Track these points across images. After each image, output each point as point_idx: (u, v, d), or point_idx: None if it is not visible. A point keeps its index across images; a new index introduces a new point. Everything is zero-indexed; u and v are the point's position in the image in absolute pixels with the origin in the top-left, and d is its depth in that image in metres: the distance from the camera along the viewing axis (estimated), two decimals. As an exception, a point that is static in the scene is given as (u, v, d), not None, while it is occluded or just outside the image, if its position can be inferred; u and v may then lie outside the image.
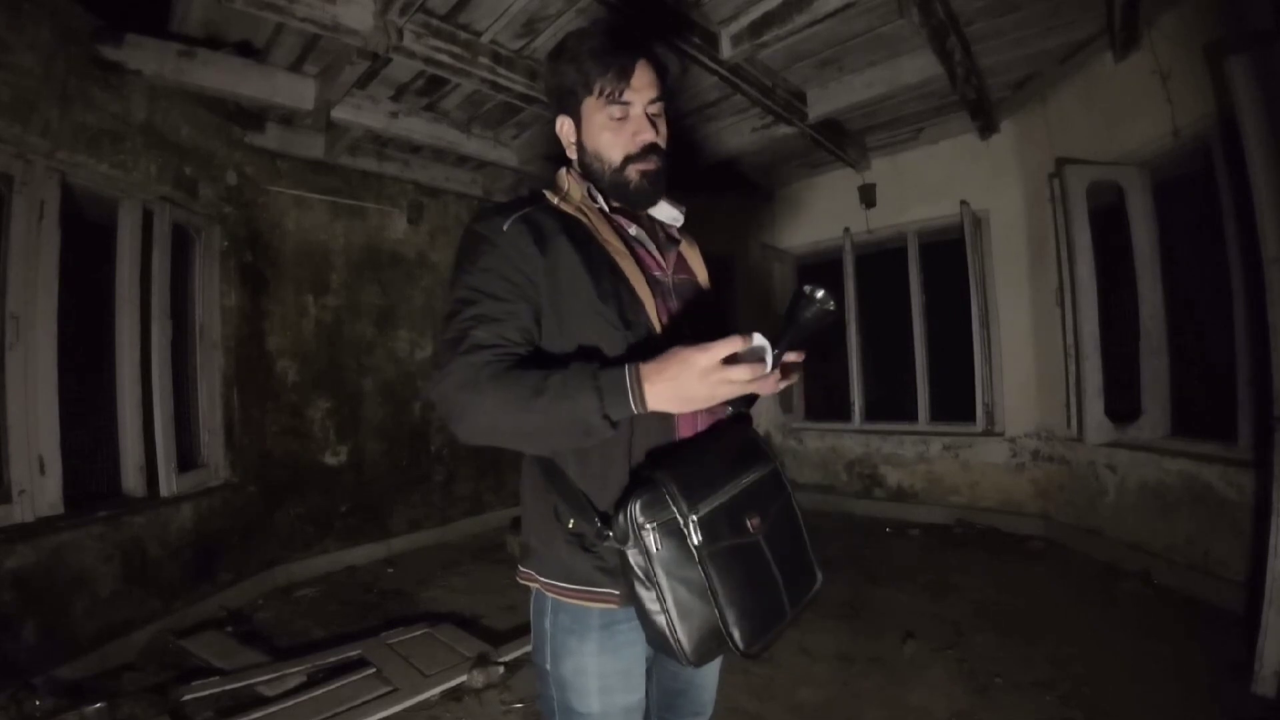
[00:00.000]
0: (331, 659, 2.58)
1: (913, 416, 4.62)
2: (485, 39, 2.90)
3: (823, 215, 5.08)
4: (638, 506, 0.78)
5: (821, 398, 5.27)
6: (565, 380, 0.76)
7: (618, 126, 0.94)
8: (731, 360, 0.73)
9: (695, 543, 0.78)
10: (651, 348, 0.87)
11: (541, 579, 0.93)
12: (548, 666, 0.93)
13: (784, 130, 3.85)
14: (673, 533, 0.79)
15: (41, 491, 2.45)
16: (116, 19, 2.64)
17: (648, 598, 0.80)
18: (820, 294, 0.78)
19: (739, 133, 4.07)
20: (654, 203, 1.01)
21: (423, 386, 4.45)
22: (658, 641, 0.82)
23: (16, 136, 2.37)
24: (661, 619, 0.79)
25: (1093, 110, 3.36)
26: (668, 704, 1.08)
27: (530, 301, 0.87)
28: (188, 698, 2.29)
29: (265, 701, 2.26)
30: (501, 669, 2.43)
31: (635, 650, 0.92)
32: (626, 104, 0.93)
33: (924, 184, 4.48)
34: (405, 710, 2.22)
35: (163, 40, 2.73)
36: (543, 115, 3.59)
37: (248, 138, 3.56)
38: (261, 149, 3.66)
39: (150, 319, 2.99)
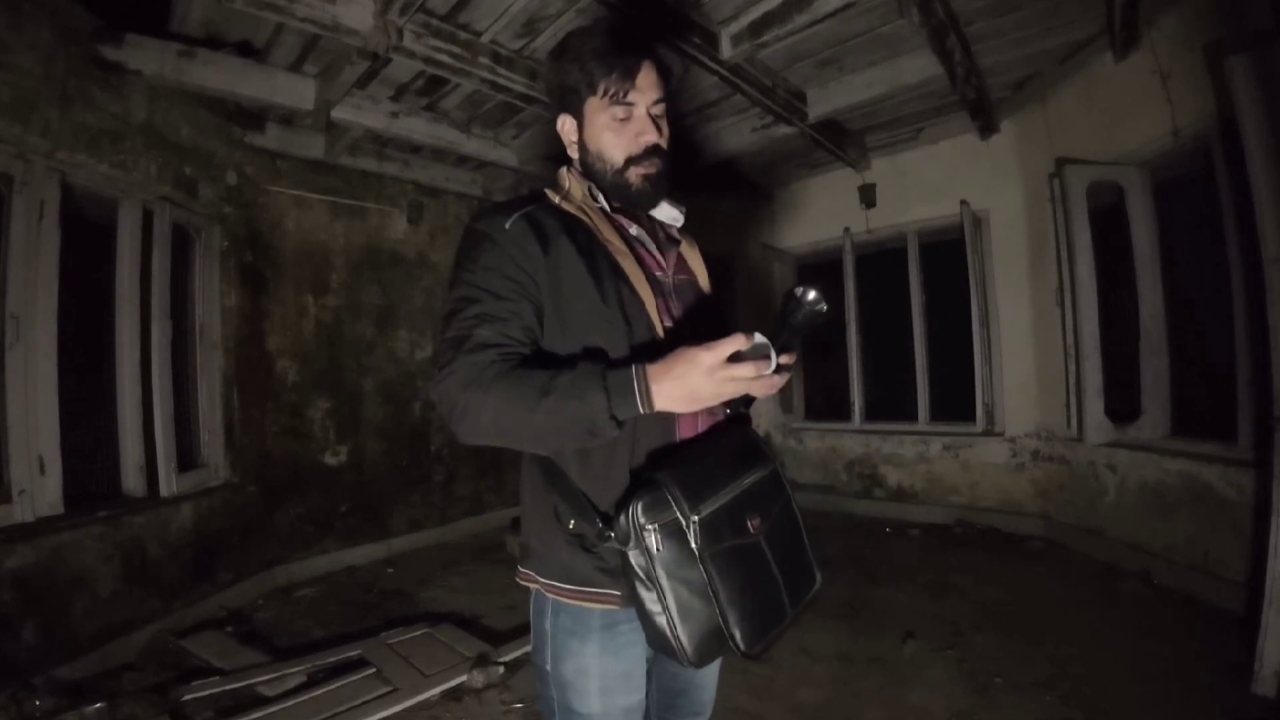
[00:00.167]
0: (331, 659, 2.58)
1: (913, 416, 4.62)
2: (485, 39, 2.90)
3: (823, 215, 5.08)
4: (639, 507, 0.78)
5: (821, 398, 5.27)
6: (573, 380, 0.76)
7: (620, 127, 0.94)
8: (735, 359, 0.74)
9: (696, 544, 0.78)
10: (652, 348, 0.87)
11: (541, 580, 0.93)
12: (548, 667, 0.93)
13: (784, 130, 3.85)
14: (674, 534, 0.79)
15: (41, 491, 2.45)
16: (116, 19, 2.63)
17: (649, 598, 0.80)
18: (811, 295, 0.78)
19: (739, 133, 4.07)
20: (655, 204, 1.01)
21: (423, 386, 4.45)
22: (658, 642, 0.82)
23: (16, 136, 2.37)
24: (662, 619, 0.79)
25: (1093, 110, 3.36)
26: (667, 704, 1.07)
27: (532, 300, 0.87)
28: (188, 698, 2.29)
29: (265, 701, 2.26)
30: (501, 669, 2.43)
31: (636, 651, 0.92)
32: (630, 105, 0.93)
33: (924, 184, 4.48)
34: (405, 710, 2.22)
35: (163, 40, 2.73)
36: (543, 115, 3.59)
37: (248, 138, 3.56)
38: (261, 149, 3.66)
39: (150, 319, 2.99)
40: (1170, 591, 2.87)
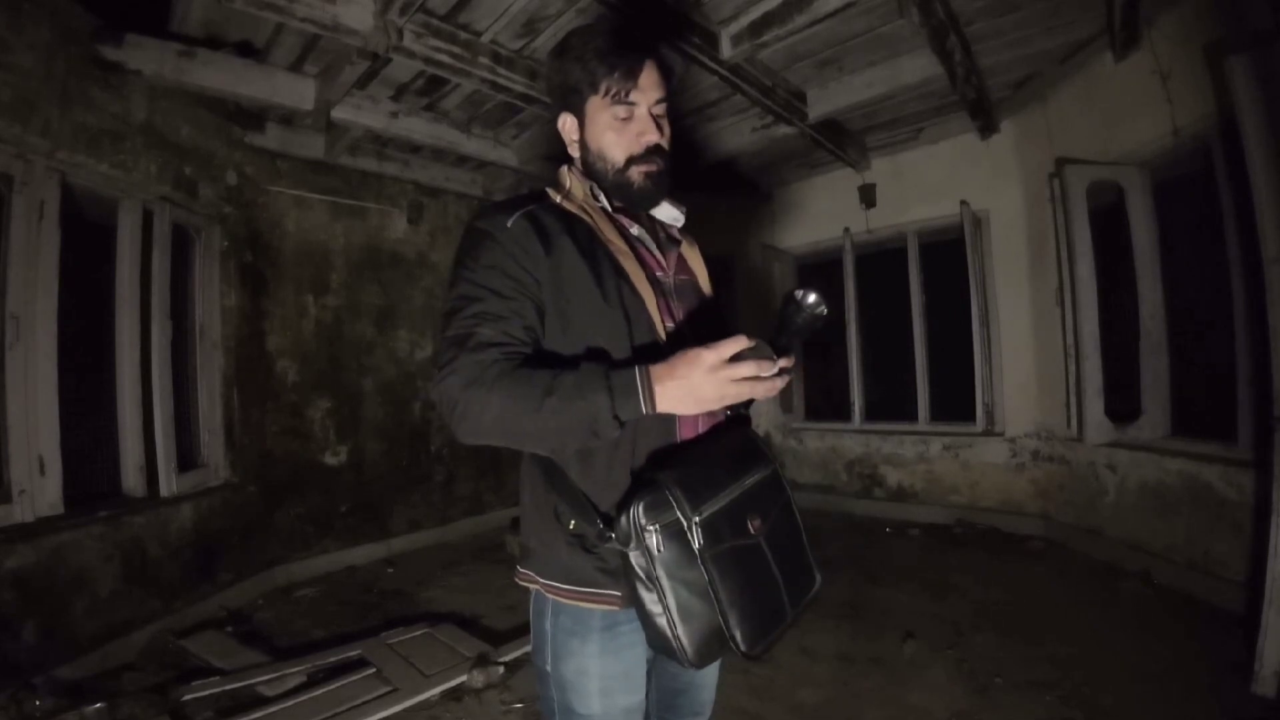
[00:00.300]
0: (331, 659, 2.58)
1: (913, 416, 4.62)
2: (485, 39, 2.90)
3: (823, 215, 5.08)
4: (641, 508, 0.78)
5: (821, 398, 5.27)
6: (577, 380, 0.77)
7: (622, 127, 0.94)
8: (736, 360, 0.74)
9: (698, 545, 0.78)
10: (653, 348, 0.88)
11: (542, 580, 0.93)
12: (548, 668, 0.93)
13: (784, 130, 3.85)
14: (675, 534, 0.79)
15: (41, 491, 2.45)
16: (116, 19, 2.63)
17: (649, 599, 0.80)
18: (811, 298, 0.78)
19: (739, 133, 4.06)
20: (656, 204, 1.01)
21: (423, 386, 4.45)
22: (659, 643, 0.82)
23: (16, 136, 2.37)
24: (663, 620, 0.79)
25: (1093, 110, 3.36)
26: (667, 704, 1.07)
27: (534, 299, 0.87)
28: (188, 698, 2.29)
29: (265, 701, 2.26)
30: (501, 669, 2.43)
31: (636, 651, 0.92)
32: (632, 104, 0.93)
33: (924, 184, 4.48)
34: (405, 710, 2.22)
35: (163, 40, 2.72)
36: (542, 115, 3.59)
37: (248, 138, 3.56)
38: (261, 149, 3.65)
39: (150, 319, 2.99)
40: (1170, 591, 2.87)
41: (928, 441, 4.50)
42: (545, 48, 2.95)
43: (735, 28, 2.86)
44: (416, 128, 3.69)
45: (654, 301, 0.91)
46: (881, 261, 4.85)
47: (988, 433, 4.24)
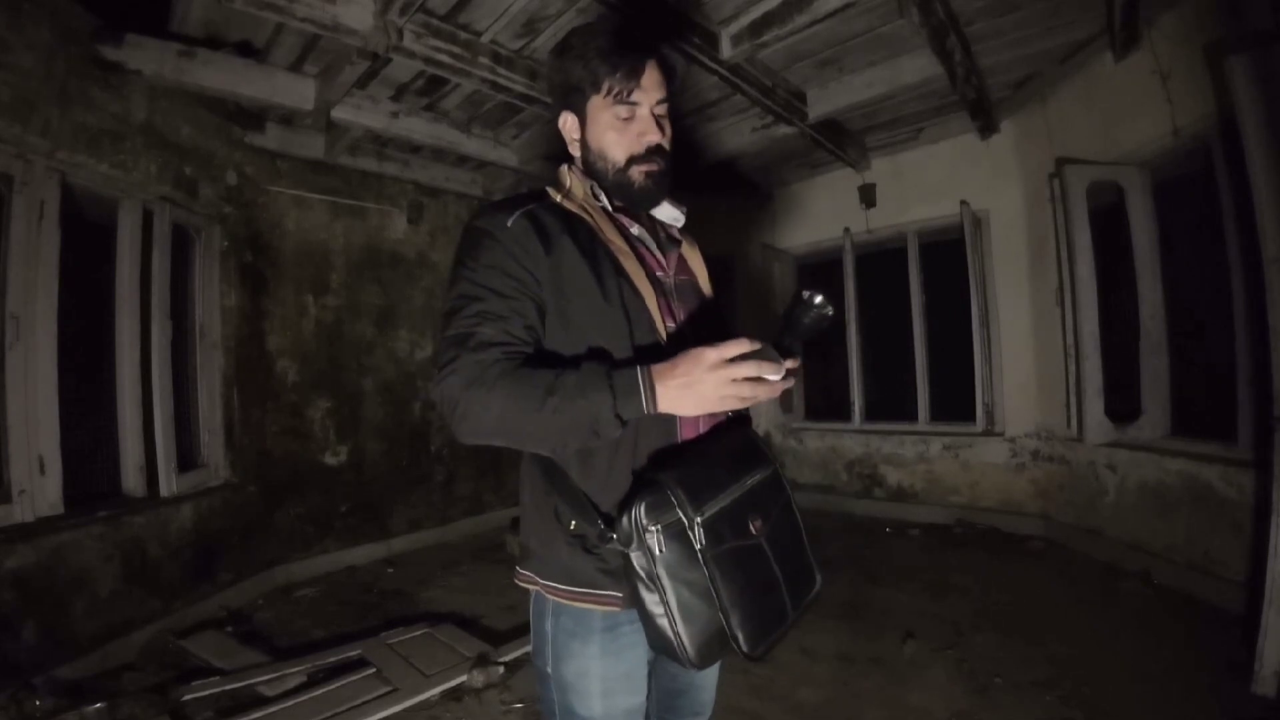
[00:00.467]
0: (331, 659, 2.58)
1: (913, 416, 4.62)
2: (485, 39, 2.90)
3: (823, 215, 5.08)
4: (642, 509, 0.78)
5: (821, 398, 5.27)
6: (579, 380, 0.76)
7: (624, 126, 0.94)
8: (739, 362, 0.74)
9: (699, 545, 0.78)
10: (654, 347, 0.88)
11: (542, 581, 0.92)
12: (548, 669, 0.93)
13: (784, 130, 3.85)
14: (677, 535, 0.79)
15: (41, 491, 2.45)
16: (116, 19, 2.63)
17: (650, 600, 0.80)
18: (819, 299, 0.78)
19: (739, 133, 4.06)
20: (657, 204, 1.01)
21: (423, 386, 4.45)
22: (660, 644, 0.81)
23: (16, 136, 2.37)
24: (664, 621, 0.79)
25: (1093, 110, 3.36)
26: (668, 705, 1.07)
27: (534, 299, 0.87)
28: (188, 698, 2.29)
29: (265, 701, 2.25)
30: (501, 669, 2.43)
31: (637, 652, 0.91)
32: (634, 104, 0.93)
33: (924, 184, 4.48)
34: (405, 710, 2.22)
35: (163, 40, 2.72)
36: (543, 115, 3.59)
37: (248, 138, 3.56)
38: (261, 149, 3.65)
39: (150, 319, 2.99)
40: (1170, 591, 2.87)
41: (928, 441, 4.50)
42: (545, 48, 2.95)
43: (735, 28, 2.87)
44: (416, 128, 3.69)
45: (655, 301, 0.91)
46: (881, 261, 4.85)
47: (988, 433, 4.24)
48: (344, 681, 2.37)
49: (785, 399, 5.21)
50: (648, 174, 0.95)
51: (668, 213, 1.04)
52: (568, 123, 0.99)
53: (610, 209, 0.98)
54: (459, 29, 2.82)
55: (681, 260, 1.03)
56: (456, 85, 3.31)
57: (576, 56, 0.93)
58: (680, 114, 3.80)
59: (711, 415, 0.94)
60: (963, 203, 4.24)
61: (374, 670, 2.46)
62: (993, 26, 2.97)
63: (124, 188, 2.86)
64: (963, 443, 4.33)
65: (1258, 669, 2.02)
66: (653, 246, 0.99)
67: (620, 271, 0.90)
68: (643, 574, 0.80)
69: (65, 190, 2.58)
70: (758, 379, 0.76)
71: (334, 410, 3.99)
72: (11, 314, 2.40)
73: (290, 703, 2.22)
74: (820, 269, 5.19)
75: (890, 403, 4.82)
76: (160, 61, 2.73)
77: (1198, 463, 2.83)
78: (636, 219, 1.00)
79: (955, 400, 4.42)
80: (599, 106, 0.94)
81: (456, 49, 2.83)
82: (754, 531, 0.85)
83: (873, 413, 4.91)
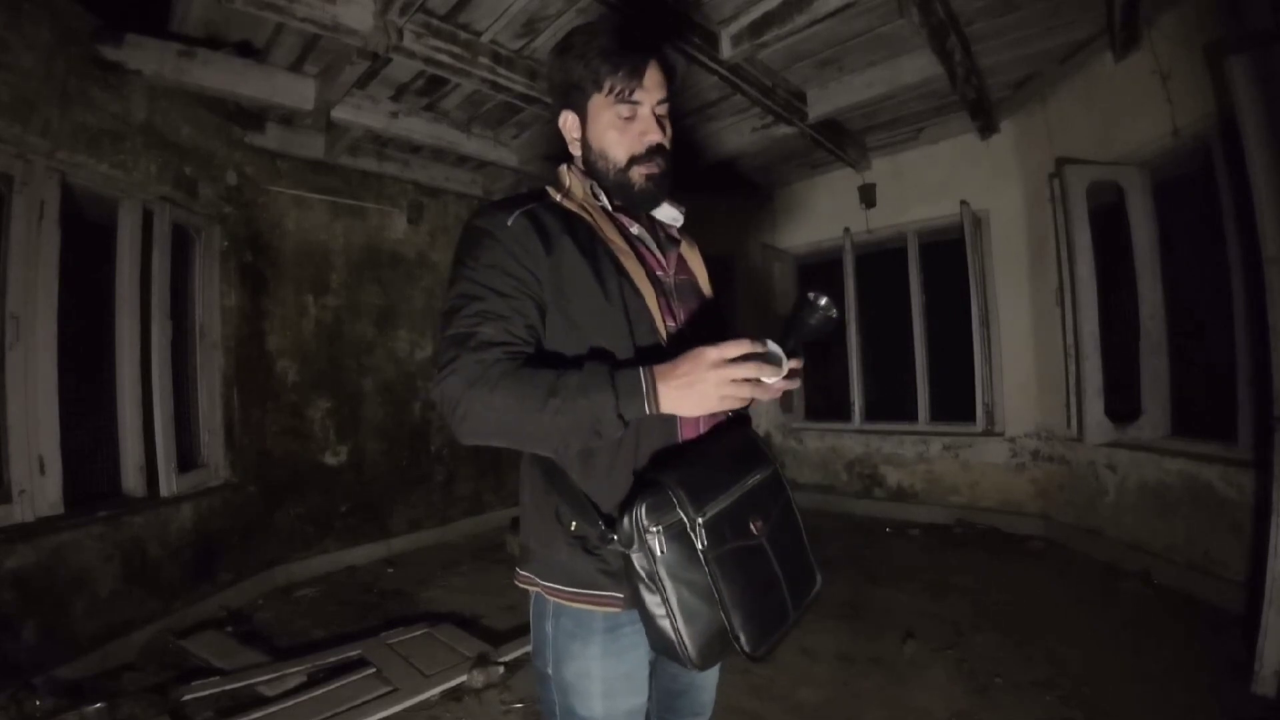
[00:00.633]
0: (331, 659, 2.58)
1: (913, 416, 4.62)
2: (485, 39, 2.90)
3: (823, 215, 5.08)
4: (643, 510, 0.78)
5: (821, 398, 5.27)
6: (581, 380, 0.76)
7: (625, 126, 0.93)
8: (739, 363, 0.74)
9: (701, 546, 0.78)
10: (655, 347, 0.88)
11: (542, 582, 0.92)
12: (549, 670, 0.92)
13: (784, 130, 3.85)
14: (678, 536, 0.78)
15: (41, 491, 2.45)
16: (116, 19, 2.63)
17: (651, 601, 0.80)
18: (824, 301, 0.79)
19: (739, 133, 4.06)
20: (657, 204, 1.01)
21: (423, 386, 4.45)
22: (661, 645, 0.81)
23: (16, 136, 2.36)
24: (665, 622, 0.79)
25: (1093, 110, 3.36)
26: (668, 705, 1.07)
27: (535, 298, 0.86)
28: (188, 698, 2.29)
29: (265, 701, 2.25)
30: (501, 669, 2.43)
31: (638, 653, 0.91)
32: (636, 104, 0.92)
33: (924, 184, 4.48)
34: (405, 710, 2.22)
35: (163, 40, 2.72)
36: (542, 115, 3.59)
37: (248, 138, 3.56)
38: (261, 149, 3.65)
39: (150, 319, 2.99)
40: (1170, 591, 2.87)
41: (928, 441, 4.50)
42: (545, 48, 2.95)
43: (735, 28, 2.87)
44: (416, 128, 3.68)
45: (655, 300, 0.91)
46: (881, 261, 4.85)
47: (988, 433, 4.24)
48: (344, 681, 2.37)
49: (785, 399, 5.22)
50: (648, 174, 0.95)
51: (667, 212, 1.04)
52: (568, 122, 0.99)
53: (610, 208, 0.97)
54: (459, 29, 2.82)
55: (681, 260, 1.03)
56: (456, 85, 3.31)
57: (578, 55, 0.93)
58: (680, 114, 3.80)
59: (712, 415, 0.94)
60: (963, 203, 4.24)
61: (374, 670, 2.46)
62: (993, 26, 2.97)
63: (124, 188, 2.86)
64: (963, 443, 4.33)
65: (1258, 669, 2.02)
66: (652, 246, 1.00)
67: (621, 271, 0.90)
68: (644, 575, 0.79)
69: (65, 190, 2.58)
70: (758, 379, 0.76)
71: (334, 410, 3.99)
72: (11, 314, 2.40)
73: (290, 703, 2.22)
74: (820, 269, 5.19)
75: (890, 403, 4.82)
76: (160, 61, 2.73)
77: (1198, 463, 2.83)
78: (636, 218, 1.00)
79: (955, 400, 4.42)
80: (600, 105, 0.94)
81: (456, 49, 2.83)
82: (755, 532, 0.85)
83: (873, 413, 4.91)
